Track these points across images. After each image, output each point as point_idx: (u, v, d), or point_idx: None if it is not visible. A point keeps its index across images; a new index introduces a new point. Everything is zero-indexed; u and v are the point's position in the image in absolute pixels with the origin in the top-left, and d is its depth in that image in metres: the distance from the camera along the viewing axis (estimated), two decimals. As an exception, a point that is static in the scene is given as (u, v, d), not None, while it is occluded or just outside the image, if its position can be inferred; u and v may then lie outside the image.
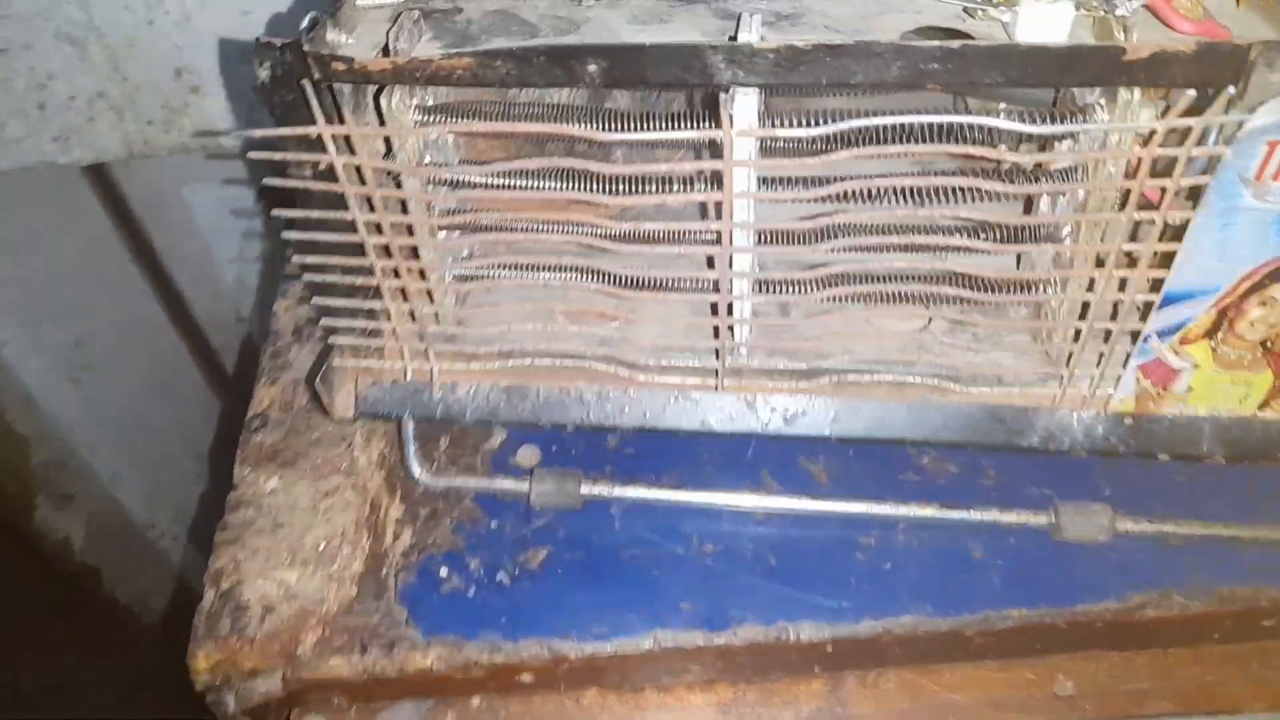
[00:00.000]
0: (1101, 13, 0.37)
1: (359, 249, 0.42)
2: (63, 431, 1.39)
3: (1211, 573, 0.48)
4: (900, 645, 0.47)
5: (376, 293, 0.44)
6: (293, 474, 0.54)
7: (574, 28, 0.41)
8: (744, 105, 0.37)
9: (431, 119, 0.41)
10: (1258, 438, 0.42)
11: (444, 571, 0.50)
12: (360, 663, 0.47)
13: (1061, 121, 0.37)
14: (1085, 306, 0.39)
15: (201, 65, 0.98)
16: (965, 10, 0.39)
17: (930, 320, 0.45)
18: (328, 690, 0.48)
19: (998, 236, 0.40)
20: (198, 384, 1.54)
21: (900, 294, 0.42)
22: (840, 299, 0.42)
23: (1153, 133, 0.33)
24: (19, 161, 1.04)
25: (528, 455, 0.54)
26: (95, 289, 1.34)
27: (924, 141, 0.36)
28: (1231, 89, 0.32)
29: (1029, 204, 0.45)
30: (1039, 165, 0.38)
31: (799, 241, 0.40)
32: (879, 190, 0.38)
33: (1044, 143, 0.41)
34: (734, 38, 0.39)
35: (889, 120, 0.35)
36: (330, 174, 0.39)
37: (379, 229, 0.40)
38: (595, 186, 0.39)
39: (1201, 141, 0.34)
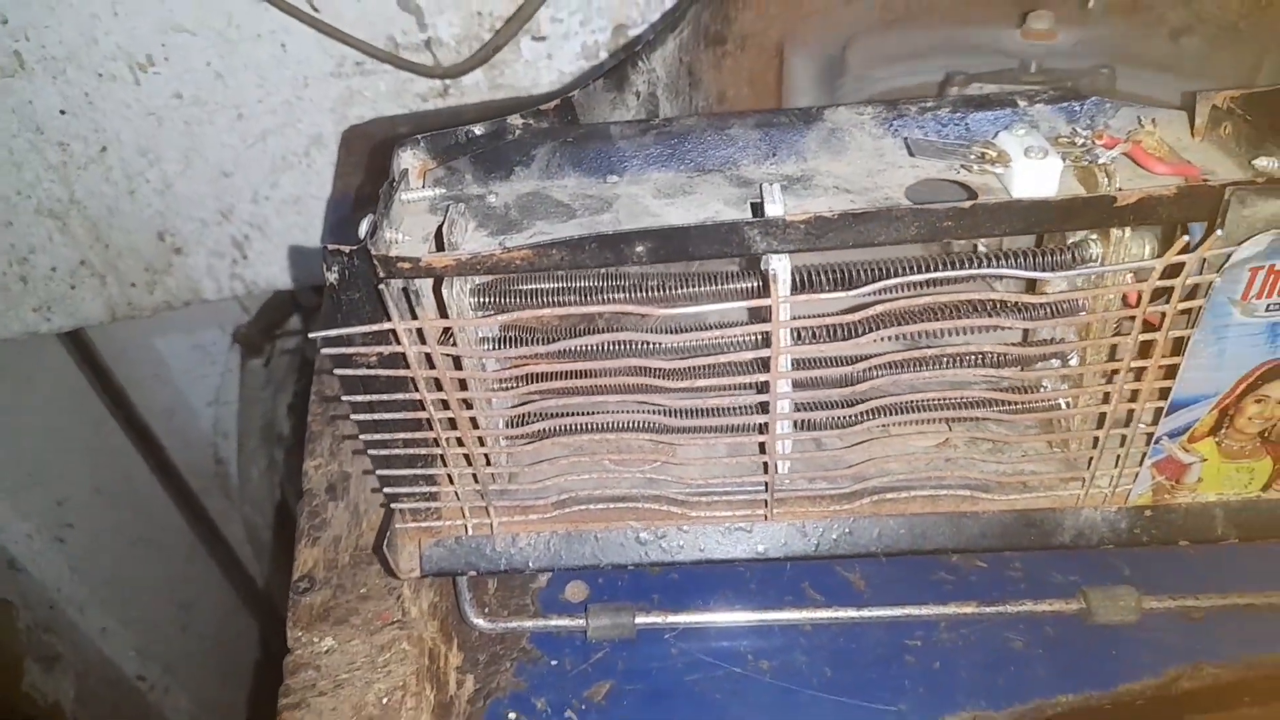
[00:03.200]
0: (1085, 163, 0.41)
1: (421, 423, 0.44)
2: (49, 592, 1.36)
3: (1235, 641, 0.51)
4: (959, 742, 0.50)
5: (437, 459, 0.46)
6: (346, 631, 0.55)
7: (606, 206, 0.45)
8: (781, 269, 0.40)
9: (485, 298, 0.44)
10: (1265, 517, 0.46)
11: (512, 715, 0.51)
12: (447, 822, 0.48)
13: (1071, 265, 0.42)
14: (1102, 416, 0.43)
15: (183, 228, 1.00)
16: (961, 166, 0.43)
17: (949, 436, 0.49)
18: None
19: (1013, 362, 0.44)
20: (181, 531, 1.52)
21: (930, 418, 0.46)
22: (871, 427, 0.45)
23: (1153, 269, 0.38)
24: (1, 333, 1.05)
25: (576, 590, 0.56)
26: (74, 447, 1.33)
27: (951, 287, 0.40)
28: (1219, 232, 0.37)
29: (1028, 331, 0.50)
30: (1056, 301, 0.42)
31: (840, 383, 0.43)
32: (912, 334, 0.42)
33: (1032, 282, 0.46)
34: (758, 207, 0.43)
35: (921, 277, 0.39)
36: (395, 360, 0.42)
37: (444, 404, 0.42)
38: (646, 355, 0.42)
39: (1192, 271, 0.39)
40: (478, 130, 0.49)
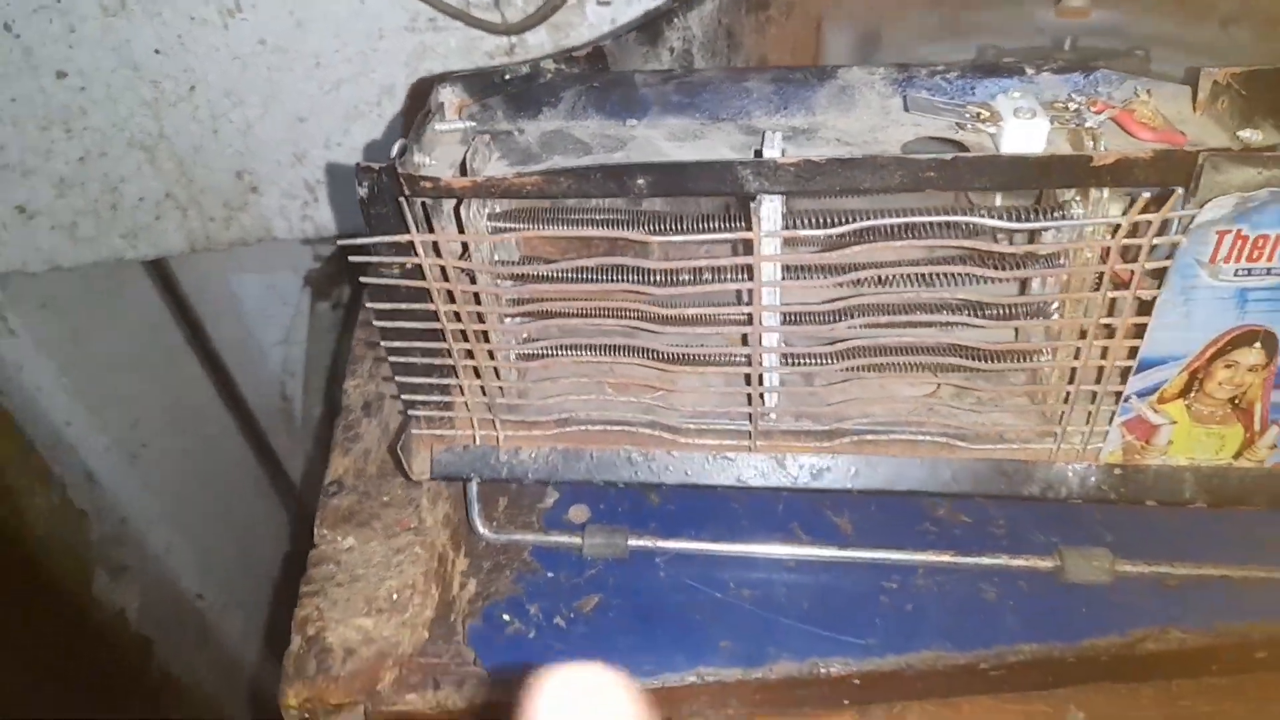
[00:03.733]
0: (1073, 125, 0.43)
1: (438, 334, 0.48)
2: (120, 506, 1.46)
3: (1207, 610, 0.52)
4: (922, 679, 0.52)
5: (451, 371, 0.50)
6: (367, 533, 0.60)
7: (621, 145, 0.49)
8: (770, 209, 0.43)
9: (501, 224, 0.48)
10: (1234, 485, 0.47)
11: (506, 616, 0.55)
12: (434, 698, 0.52)
13: (1042, 217, 0.44)
14: (1073, 372, 0.45)
15: (260, 168, 1.06)
16: (957, 125, 0.45)
17: (939, 386, 0.51)
18: (407, 727, 0.53)
19: (996, 314, 0.46)
20: (246, 462, 1.61)
21: (911, 364, 0.48)
22: (858, 369, 0.48)
23: (1118, 226, 0.40)
24: (90, 257, 1.13)
25: (578, 513, 0.60)
26: (151, 373, 1.42)
27: (927, 236, 0.42)
28: (1179, 190, 0.39)
29: (1024, 285, 0.52)
30: (1030, 252, 0.44)
31: (820, 321, 0.46)
32: (888, 277, 0.44)
33: (1031, 234, 0.48)
34: (759, 153, 0.46)
35: (893, 221, 0.41)
36: (416, 273, 0.46)
37: (458, 317, 0.46)
38: (640, 278, 0.45)
39: (1164, 231, 0.41)
40: (513, 73, 0.53)
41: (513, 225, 0.48)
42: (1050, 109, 0.44)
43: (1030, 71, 0.49)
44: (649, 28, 0.58)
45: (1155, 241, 0.40)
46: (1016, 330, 0.52)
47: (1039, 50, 0.64)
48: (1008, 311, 0.46)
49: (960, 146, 0.45)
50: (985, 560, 0.54)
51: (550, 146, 0.49)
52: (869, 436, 0.49)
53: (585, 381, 0.52)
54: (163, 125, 1.04)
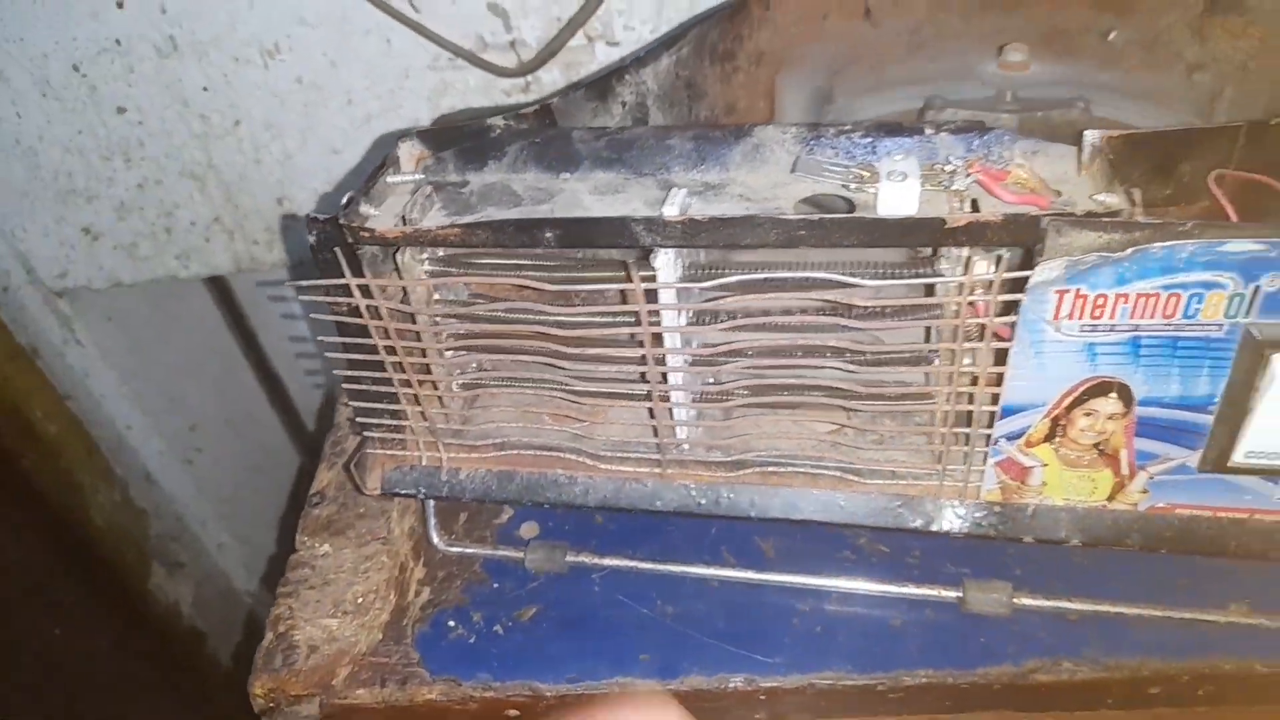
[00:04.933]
0: (943, 188, 0.47)
1: (383, 367, 0.54)
2: (177, 506, 1.56)
3: (1102, 644, 0.55)
4: (823, 698, 0.56)
5: (399, 398, 0.56)
6: (341, 541, 0.66)
7: (550, 198, 0.54)
8: (664, 260, 0.48)
9: (440, 269, 0.54)
10: (1108, 526, 0.50)
11: (452, 623, 0.60)
12: (380, 694, 0.58)
13: (893, 277, 0.47)
14: (945, 415, 0.48)
15: (298, 195, 1.15)
16: (842, 185, 0.49)
17: (843, 426, 0.55)
18: (355, 716, 0.59)
19: (879, 359, 0.50)
20: (295, 465, 1.70)
21: (810, 403, 0.52)
22: (752, 406, 0.52)
23: (961, 285, 0.43)
24: (148, 275, 1.23)
25: (529, 529, 0.65)
26: (208, 380, 1.52)
27: (792, 288, 0.46)
28: (1004, 253, 0.42)
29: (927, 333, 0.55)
30: (880, 306, 0.47)
31: (711, 362, 0.51)
32: (761, 324, 0.48)
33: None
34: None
35: (757, 276, 0.46)
36: (358, 313, 0.52)
37: (394, 351, 0.52)
38: (554, 323, 0.50)
39: (1017, 290, 0.44)
40: (468, 129, 0.58)
41: (449, 270, 0.53)
42: (929, 171, 0.48)
43: (929, 131, 0.52)
44: (598, 85, 0.63)
45: (1004, 298, 0.43)
46: (927, 376, 0.56)
47: (984, 101, 0.67)
48: (888, 358, 0.49)
49: (850, 205, 0.49)
50: (893, 589, 0.57)
51: (486, 198, 0.54)
52: (771, 469, 0.53)
53: (521, 411, 0.58)
54: (211, 156, 1.13)
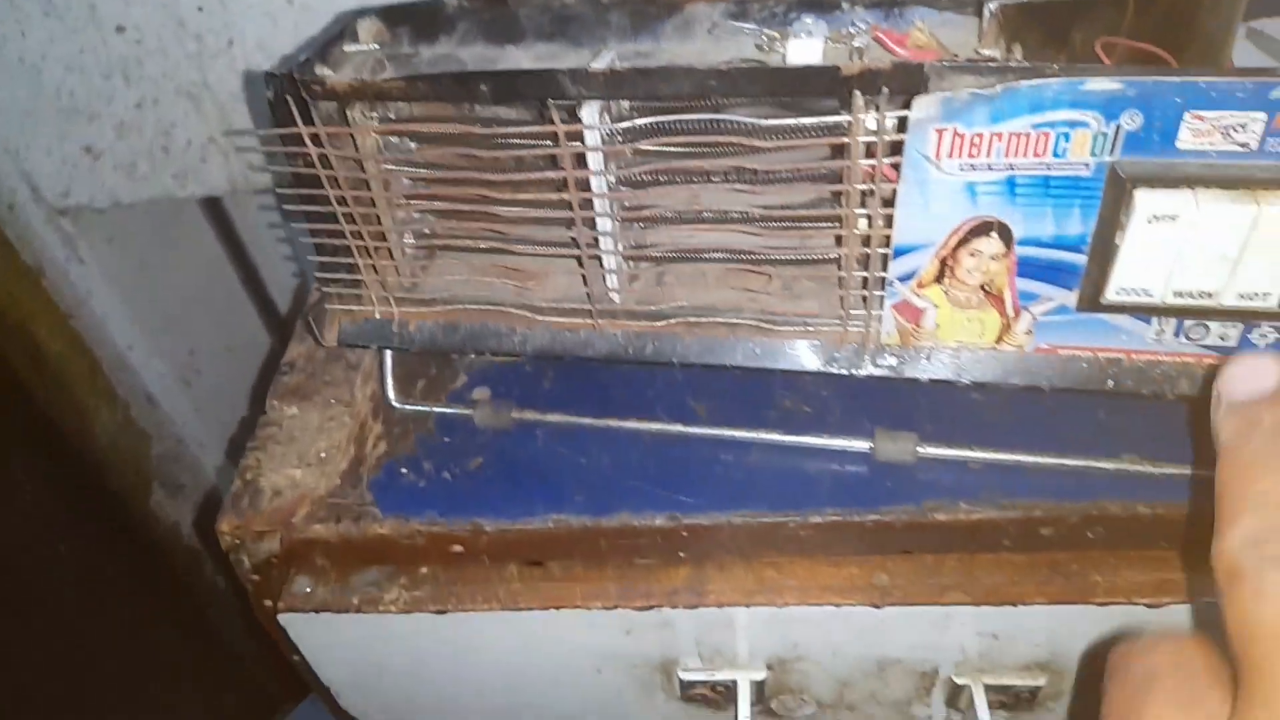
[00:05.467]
0: (842, 45, 0.51)
1: (338, 219, 0.58)
2: (177, 428, 1.62)
3: (998, 488, 0.59)
4: (742, 534, 0.60)
5: (353, 255, 0.60)
6: (309, 405, 0.71)
7: (491, 63, 0.58)
8: (589, 112, 0.52)
9: (389, 125, 0.58)
10: (995, 367, 0.54)
11: (404, 470, 0.65)
12: (335, 529, 0.63)
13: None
14: (841, 259, 0.52)
15: (291, 114, 1.19)
16: (757, 47, 0.53)
17: (771, 278, 0.59)
18: (313, 551, 0.64)
19: (788, 214, 0.54)
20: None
21: (725, 259, 0.56)
22: (685, 263, 0.57)
23: (849, 125, 0.47)
24: (146, 194, 1.28)
25: (480, 393, 0.70)
26: (208, 305, 1.57)
27: (700, 131, 0.51)
28: (860, 94, 0.46)
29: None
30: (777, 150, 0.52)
31: (634, 218, 0.55)
32: (680, 178, 0.52)
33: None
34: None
35: (671, 119, 0.50)
36: (313, 164, 0.56)
37: (346, 203, 0.56)
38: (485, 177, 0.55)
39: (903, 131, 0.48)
40: (423, 6, 0.63)
41: (397, 128, 0.58)
42: (836, 35, 0.52)
43: (846, 6, 0.56)
44: (548, -30, 0.67)
45: (886, 139, 0.47)
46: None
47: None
48: (793, 207, 0.53)
49: (761, 63, 0.53)
50: (809, 440, 0.62)
51: (436, 66, 0.59)
52: (693, 319, 0.58)
53: (471, 269, 0.62)
54: (206, 76, 1.18)
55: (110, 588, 1.58)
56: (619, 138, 0.53)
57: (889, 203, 0.49)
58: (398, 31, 0.62)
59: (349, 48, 0.60)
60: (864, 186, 0.49)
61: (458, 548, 0.62)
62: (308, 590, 0.65)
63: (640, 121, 0.50)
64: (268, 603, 0.66)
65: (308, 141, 0.55)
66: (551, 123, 0.51)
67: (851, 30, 0.52)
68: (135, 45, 1.15)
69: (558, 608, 0.62)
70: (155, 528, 1.63)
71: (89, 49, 1.16)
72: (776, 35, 0.52)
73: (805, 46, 0.50)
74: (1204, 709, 0.30)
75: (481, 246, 0.61)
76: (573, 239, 0.56)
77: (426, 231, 0.63)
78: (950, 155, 0.47)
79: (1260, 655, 0.29)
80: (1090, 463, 0.58)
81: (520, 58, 0.58)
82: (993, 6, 0.52)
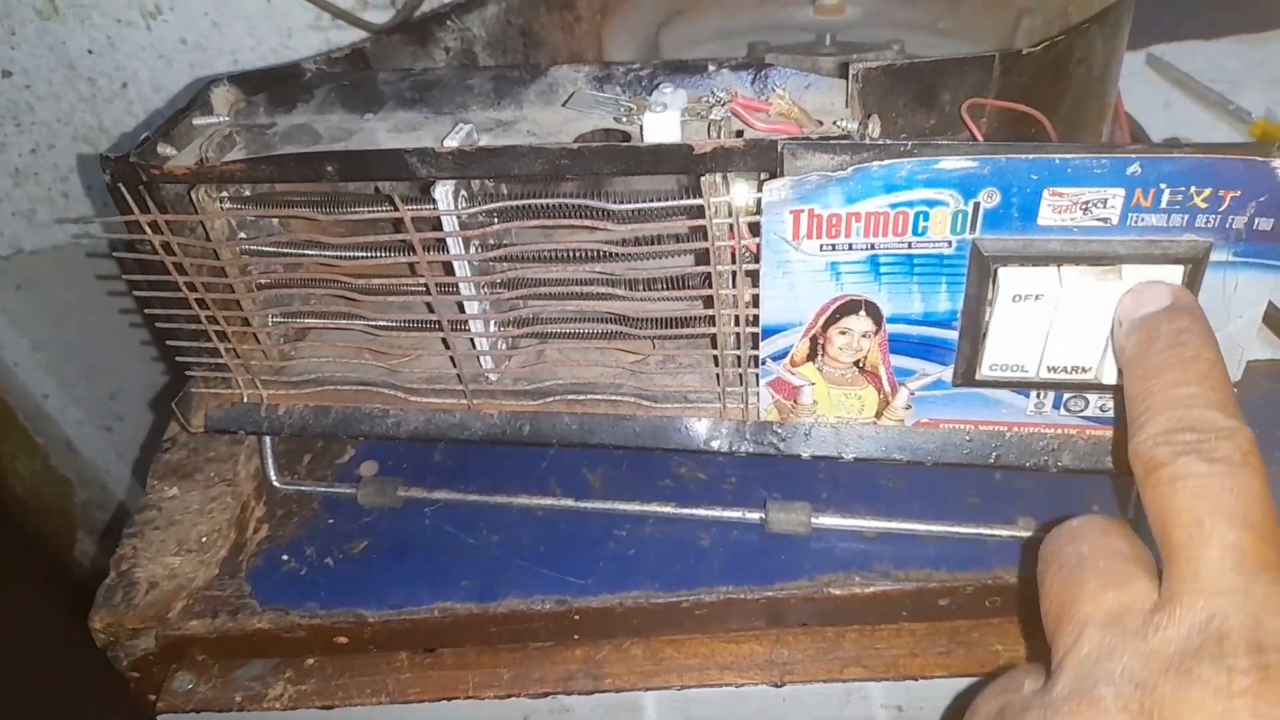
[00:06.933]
0: (700, 118, 0.49)
1: (189, 306, 0.55)
2: (100, 474, 1.57)
3: (892, 560, 0.57)
4: (636, 616, 0.58)
5: (213, 337, 0.57)
6: (189, 484, 0.68)
7: (347, 136, 0.55)
8: (442, 191, 0.49)
9: (243, 206, 0.55)
10: (877, 442, 0.52)
11: (285, 557, 0.62)
12: (212, 625, 0.60)
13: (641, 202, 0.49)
14: (714, 338, 0.50)
15: (192, 156, 1.16)
16: (615, 119, 0.51)
17: (647, 356, 0.57)
18: (191, 647, 0.60)
19: (660, 286, 0.52)
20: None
21: (596, 333, 0.54)
22: (550, 337, 0.54)
23: (704, 208, 0.45)
24: (49, 242, 1.23)
25: (368, 468, 0.67)
26: (127, 347, 1.52)
27: (557, 216, 0.48)
28: (718, 175, 0.44)
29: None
30: (631, 235, 0.49)
31: (494, 294, 0.52)
32: (528, 255, 0.50)
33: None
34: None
35: (524, 202, 0.47)
36: (158, 251, 0.53)
37: (194, 289, 0.53)
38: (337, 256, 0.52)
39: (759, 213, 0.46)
40: (281, 72, 0.60)
41: (243, 209, 0.55)
42: (695, 104, 0.50)
43: (711, 69, 0.54)
44: (416, 29, 0.64)
45: (743, 221, 0.45)
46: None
47: (805, 46, 0.68)
48: (653, 286, 0.51)
49: (625, 136, 0.51)
50: (702, 512, 0.60)
51: (289, 138, 0.56)
52: (572, 397, 0.55)
53: (340, 349, 0.59)
54: (102, 119, 1.14)
55: (33, 639, 1.53)
56: (477, 217, 0.50)
57: (755, 282, 0.47)
58: (254, 100, 0.59)
59: (199, 120, 0.57)
60: (726, 267, 0.47)
61: (342, 639, 0.59)
62: (189, 687, 0.62)
63: (491, 206, 0.48)
64: (151, 697, 0.63)
65: (147, 230, 0.52)
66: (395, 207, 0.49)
67: (710, 99, 0.50)
68: (24, 90, 1.11)
69: (450, 698, 0.59)
70: (80, 574, 1.59)
71: (-24, 95, 1.11)
72: (633, 107, 0.50)
73: (661, 121, 0.48)
74: (1134, 588, 0.34)
75: (350, 325, 0.58)
76: (429, 310, 0.54)
77: (295, 309, 0.60)
78: (809, 236, 0.45)
79: (1183, 538, 0.32)
80: (984, 530, 0.57)
81: (377, 128, 0.55)
82: (856, 70, 0.50)
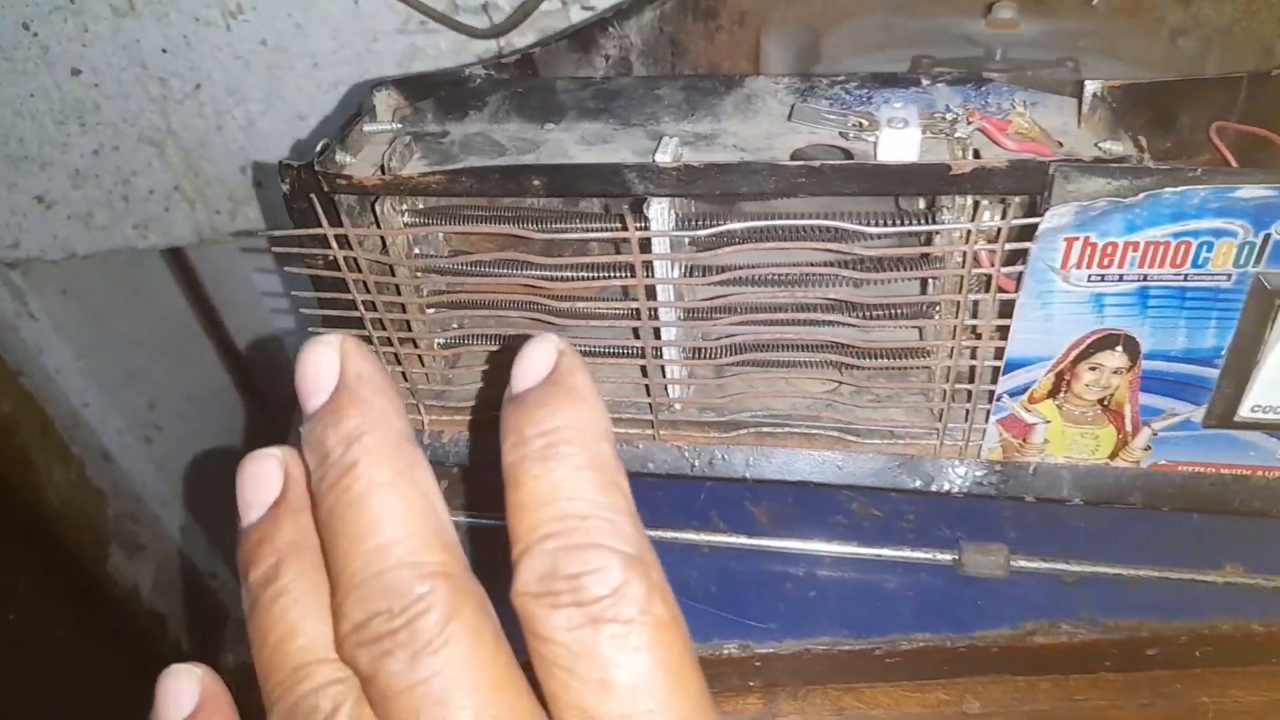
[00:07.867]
0: (945, 136, 0.45)
1: (361, 323, 0.52)
2: (135, 486, 1.52)
3: (1098, 606, 0.54)
4: (821, 663, 0.54)
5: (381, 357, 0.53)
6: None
7: (535, 148, 0.51)
8: (658, 210, 0.46)
9: (421, 221, 0.51)
10: (1110, 484, 0.49)
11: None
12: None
13: (920, 223, 0.46)
14: (948, 371, 0.47)
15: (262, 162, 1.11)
16: (840, 134, 0.48)
17: (840, 384, 0.53)
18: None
19: (880, 314, 0.48)
20: (258, 446, 1.66)
21: (806, 361, 0.51)
22: (751, 364, 0.50)
23: (968, 233, 0.42)
24: (104, 245, 1.18)
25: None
26: (169, 357, 1.47)
27: (794, 238, 0.45)
28: (1014, 200, 0.41)
29: (923, 286, 0.54)
30: (885, 256, 0.46)
31: (703, 318, 0.49)
32: (761, 277, 0.46)
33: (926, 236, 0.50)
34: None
35: (758, 225, 0.44)
36: (335, 266, 0.49)
37: (374, 307, 0.50)
38: (536, 274, 0.48)
39: (1025, 238, 0.43)
40: (445, 78, 0.56)
41: (428, 223, 0.51)
42: (929, 119, 0.46)
43: (926, 83, 0.51)
44: (580, 36, 0.61)
45: (1011, 247, 0.42)
46: (921, 331, 0.54)
47: (973, 61, 0.65)
48: (891, 313, 0.48)
49: (847, 154, 0.48)
50: (887, 552, 0.56)
51: (468, 148, 0.52)
52: (765, 429, 0.52)
53: (504, 366, 0.55)
54: (170, 121, 1.09)
55: (66, 654, 1.48)
56: (694, 241, 0.47)
57: (1003, 313, 0.44)
58: (420, 106, 0.55)
59: (369, 127, 0.53)
60: (977, 296, 0.44)
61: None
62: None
63: (728, 227, 0.44)
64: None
65: (333, 243, 0.48)
66: (619, 222, 0.45)
67: (945, 115, 0.47)
68: (92, 89, 1.06)
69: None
70: (114, 590, 1.53)
71: (40, 93, 1.06)
72: (863, 122, 0.47)
73: (900, 138, 0.44)
74: None
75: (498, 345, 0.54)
76: (635, 335, 0.50)
77: (456, 327, 0.56)
78: (1079, 266, 0.42)
79: None
80: (1195, 575, 0.54)
81: (564, 139, 0.52)
82: (1096, 87, 0.47)
